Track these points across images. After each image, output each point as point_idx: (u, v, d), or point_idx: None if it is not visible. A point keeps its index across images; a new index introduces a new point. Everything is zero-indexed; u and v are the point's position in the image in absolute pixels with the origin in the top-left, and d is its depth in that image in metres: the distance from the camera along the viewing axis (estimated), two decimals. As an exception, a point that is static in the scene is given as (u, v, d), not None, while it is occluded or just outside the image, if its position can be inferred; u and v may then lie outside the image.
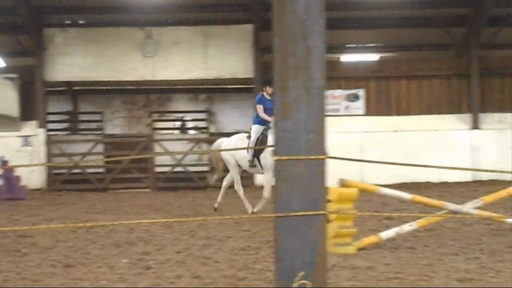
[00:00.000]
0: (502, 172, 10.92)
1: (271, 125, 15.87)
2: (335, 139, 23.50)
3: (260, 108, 16.24)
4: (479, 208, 13.01)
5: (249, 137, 16.74)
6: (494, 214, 13.31)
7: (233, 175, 17.26)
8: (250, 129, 16.70)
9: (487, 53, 25.84)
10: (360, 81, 25.64)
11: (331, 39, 24.37)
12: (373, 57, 26.35)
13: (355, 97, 25.50)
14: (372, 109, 25.61)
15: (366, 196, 15.59)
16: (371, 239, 12.12)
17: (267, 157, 15.72)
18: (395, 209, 16.77)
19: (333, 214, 11.45)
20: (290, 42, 5.59)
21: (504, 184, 15.90)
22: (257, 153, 16.11)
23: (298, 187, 5.73)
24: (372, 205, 17.33)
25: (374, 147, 24.18)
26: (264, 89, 16.45)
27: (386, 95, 25.70)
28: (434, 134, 24.90)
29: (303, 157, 5.64)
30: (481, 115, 25.35)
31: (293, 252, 5.72)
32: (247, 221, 15.05)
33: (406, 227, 12.44)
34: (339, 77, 25.47)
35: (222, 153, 17.21)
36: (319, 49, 5.60)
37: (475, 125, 25.26)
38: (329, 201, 11.18)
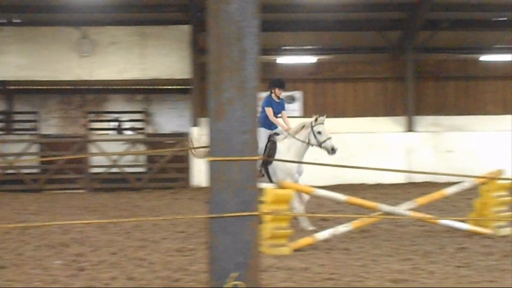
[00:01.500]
0: (436, 174, 11.08)
1: (279, 130, 14.92)
2: (272, 141, 23.59)
3: (269, 111, 14.90)
4: (413, 209, 13.18)
5: None
6: (427, 216, 13.50)
7: None
8: None
9: (422, 57, 26.15)
10: (297, 83, 25.74)
11: (268, 41, 24.45)
12: (310, 59, 26.46)
13: (292, 99, 25.59)
14: (309, 111, 25.67)
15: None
16: (306, 240, 12.18)
17: (278, 166, 14.45)
18: (330, 210, 16.87)
19: (269, 215, 11.48)
20: (225, 43, 5.60)
21: (438, 186, 16.11)
22: (265, 162, 14.63)
23: (232, 188, 5.74)
24: (308, 206, 17.38)
25: (310, 149, 24.25)
26: (272, 90, 15.15)
27: (323, 97, 25.87)
28: (370, 136, 25.13)
29: (237, 158, 5.65)
30: (416, 117, 25.65)
31: (226, 253, 5.72)
32: (182, 222, 15.00)
33: (341, 228, 12.54)
34: (276, 79, 25.51)
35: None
36: (253, 51, 5.62)
37: (410, 128, 25.56)
38: (262, 202, 11.20)
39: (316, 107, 25.59)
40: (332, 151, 14.34)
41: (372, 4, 24.40)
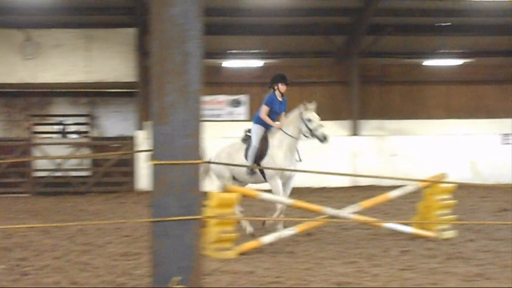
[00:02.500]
0: (380, 177, 11.15)
1: (273, 129, 13.96)
2: (218, 145, 23.54)
3: (265, 109, 13.96)
4: (357, 213, 13.28)
5: (245, 140, 14.45)
6: (371, 219, 13.60)
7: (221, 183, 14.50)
8: (248, 131, 14.47)
9: (367, 61, 26.35)
10: (243, 87, 25.78)
11: (214, 45, 24.45)
12: (257, 63, 26.51)
13: (238, 103, 25.62)
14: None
15: (247, 201, 15.66)
16: (251, 243, 12.19)
17: (270, 163, 13.73)
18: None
19: (214, 219, 11.46)
20: (168, 47, 5.58)
21: (382, 189, 16.24)
22: (258, 159, 13.94)
23: (174, 192, 5.72)
24: (253, 210, 17.43)
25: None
26: (275, 87, 14.06)
27: (269, 101, 25.89)
28: (315, 140, 25.16)
29: (180, 162, 5.63)
30: (361, 121, 25.85)
31: (169, 257, 5.70)
32: (127, 226, 14.91)
33: (287, 232, 12.58)
34: (222, 82, 25.56)
35: (213, 166, 14.48)
36: (196, 54, 5.61)
37: (355, 132, 25.75)
38: (205, 205, 11.18)
39: (261, 111, 25.66)
40: (324, 139, 13.60)
41: (318, 8, 24.52)
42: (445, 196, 13.64)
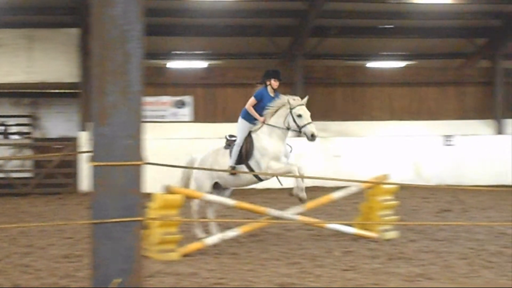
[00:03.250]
0: (323, 178, 11.20)
1: (258, 124, 13.42)
2: (162, 145, 23.49)
3: (251, 101, 13.51)
4: (301, 214, 13.33)
5: (228, 145, 13.81)
6: (315, 220, 13.66)
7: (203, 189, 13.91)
8: (230, 136, 13.95)
9: (311, 63, 26.47)
10: (188, 88, 25.71)
11: (158, 46, 24.38)
12: (201, 64, 26.48)
13: (183, 104, 25.55)
14: (199, 116, 25.73)
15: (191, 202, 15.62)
16: (195, 245, 12.17)
17: (261, 155, 13.15)
18: (219, 215, 16.87)
19: (157, 220, 11.42)
20: (108, 47, 5.54)
21: (326, 190, 16.29)
22: (243, 160, 13.36)
23: (115, 193, 5.68)
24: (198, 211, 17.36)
25: (201, 153, 24.19)
26: (268, 82, 13.57)
27: (213, 102, 25.90)
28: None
29: (121, 163, 5.60)
30: (306, 122, 25.91)
31: (109, 259, 5.66)
32: (70, 228, 14.76)
33: (230, 233, 12.58)
34: (166, 83, 25.46)
35: (195, 173, 14.15)
36: (137, 54, 5.58)
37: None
38: (146, 207, 11.13)
39: (207, 112, 25.66)
40: (312, 137, 12.98)
41: (262, 10, 24.57)
42: (388, 197, 13.77)
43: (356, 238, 13.30)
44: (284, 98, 13.24)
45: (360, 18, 25.31)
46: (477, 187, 22.15)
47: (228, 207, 13.93)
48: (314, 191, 22.09)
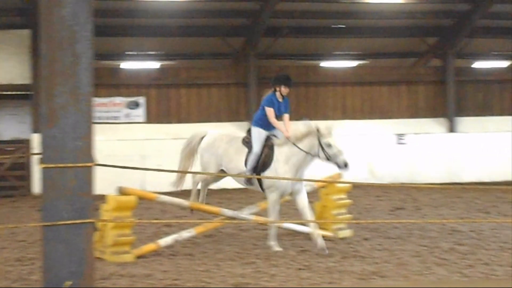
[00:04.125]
0: (276, 178, 11.24)
1: (277, 132, 12.91)
2: (116, 147, 23.36)
3: (271, 111, 12.81)
4: (255, 213, 13.35)
5: (246, 142, 13.13)
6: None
7: (201, 177, 13.72)
8: (249, 133, 13.17)
9: (265, 63, 26.47)
10: (141, 89, 25.57)
11: (111, 46, 24.22)
12: (154, 65, 26.35)
13: (136, 105, 25.41)
14: (152, 117, 25.61)
15: (146, 203, 15.58)
16: (149, 246, 12.13)
17: (272, 174, 12.53)
18: (174, 216, 16.85)
19: (110, 222, 11.36)
20: (57, 48, 5.49)
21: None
22: (259, 168, 12.73)
23: (66, 195, 5.64)
24: (152, 213, 17.33)
25: (155, 155, 24.14)
26: (277, 88, 13.01)
27: (167, 103, 25.79)
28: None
29: (71, 165, 5.55)
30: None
31: (60, 262, 5.62)
32: (23, 231, 14.61)
33: (185, 234, 12.57)
34: (119, 84, 25.31)
35: (203, 155, 13.58)
36: (87, 55, 5.54)
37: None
38: (98, 209, 11.06)
39: (160, 113, 25.56)
40: (345, 166, 12.29)
41: (215, 10, 24.53)
42: (341, 196, 13.86)
43: (310, 237, 13.34)
44: (311, 126, 12.59)
45: (313, 18, 25.38)
46: (429, 185, 22.36)
47: (182, 207, 13.88)
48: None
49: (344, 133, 26.02)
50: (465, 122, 27.28)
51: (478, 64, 28.57)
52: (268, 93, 13.15)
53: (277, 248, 12.34)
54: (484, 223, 15.11)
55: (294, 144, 12.56)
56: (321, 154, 12.41)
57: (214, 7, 24.37)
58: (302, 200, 12.69)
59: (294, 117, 26.09)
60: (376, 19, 25.70)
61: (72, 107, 5.56)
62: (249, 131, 13.21)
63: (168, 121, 25.63)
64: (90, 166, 5.69)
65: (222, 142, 13.36)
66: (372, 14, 25.20)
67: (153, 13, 24.08)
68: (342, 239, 13.27)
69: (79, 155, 5.63)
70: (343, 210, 13.87)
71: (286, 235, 13.62)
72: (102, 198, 11.62)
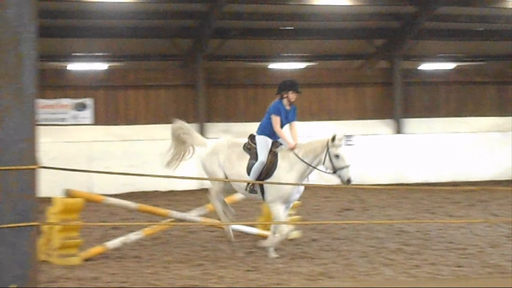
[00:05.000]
0: (225, 180, 11.23)
1: (285, 145, 12.36)
2: (63, 149, 23.15)
3: (277, 120, 12.21)
4: (204, 215, 13.33)
5: (248, 148, 12.61)
6: (218, 221, 13.66)
7: (214, 189, 12.89)
8: (252, 140, 12.65)
9: (213, 64, 26.48)
10: (88, 90, 25.36)
11: (58, 47, 24.03)
12: (101, 66, 26.17)
13: (83, 106, 25.21)
14: (100, 119, 25.42)
15: (93, 206, 15.46)
16: (97, 249, 12.05)
17: (274, 187, 12.01)
18: (122, 218, 16.75)
19: (57, 225, 11.25)
20: (1, 49, 5.42)
21: (231, 192, 16.34)
22: (262, 176, 12.16)
23: (9, 198, 5.57)
24: (99, 215, 17.19)
25: (102, 157, 23.97)
26: (285, 95, 12.37)
27: (114, 105, 25.61)
28: (162, 144, 24.98)
29: (14, 167, 5.49)
30: (207, 124, 25.89)
31: (4, 265, 5.55)
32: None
33: (133, 236, 12.50)
34: (66, 85, 25.07)
35: (205, 161, 12.98)
36: (31, 57, 5.48)
37: (202, 134, 25.68)
38: (42, 212, 10.95)
39: (108, 115, 25.39)
40: (347, 182, 11.87)
41: (163, 12, 24.44)
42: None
43: (259, 238, 13.36)
44: (324, 138, 12.25)
45: (261, 20, 25.41)
46: (377, 186, 22.52)
47: (130, 210, 13.80)
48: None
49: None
50: (412, 124, 27.54)
51: (425, 66, 28.91)
52: (274, 100, 12.52)
53: (274, 255, 11.91)
54: (430, 224, 15.27)
55: (296, 155, 12.09)
56: (327, 164, 11.96)
57: (162, 8, 24.28)
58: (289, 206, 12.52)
59: (244, 118, 26.41)
60: (324, 21, 25.81)
61: (15, 108, 5.49)
62: (251, 138, 12.67)
63: (116, 123, 25.46)
64: (34, 169, 5.63)
65: (224, 147, 12.82)
66: (320, 16, 25.31)
67: (100, 14, 23.90)
68: (290, 240, 13.30)
69: (22, 157, 5.57)
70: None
71: (234, 237, 13.58)
72: (48, 200, 11.51)
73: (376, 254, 12.08)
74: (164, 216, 13.06)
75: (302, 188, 12.34)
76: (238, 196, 13.59)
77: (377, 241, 13.34)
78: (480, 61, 29.33)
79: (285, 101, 12.37)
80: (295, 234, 13.65)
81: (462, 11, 25.87)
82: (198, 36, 25.34)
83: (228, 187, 12.92)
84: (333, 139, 11.95)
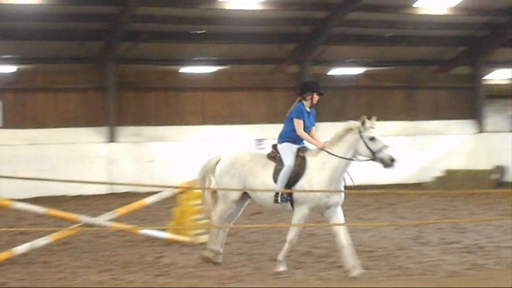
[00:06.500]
0: (135, 185, 11.13)
1: (313, 147, 11.37)
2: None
3: (300, 124, 11.29)
4: (114, 220, 13.22)
5: (272, 157, 11.47)
6: (127, 226, 13.59)
7: (222, 209, 11.66)
8: (275, 148, 11.54)
9: (123, 67, 26.30)
10: (-4, 93, 24.94)
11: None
12: (10, 68, 25.73)
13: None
14: (8, 122, 24.97)
15: (0, 211, 15.21)
16: (3, 255, 11.84)
17: (305, 188, 10.99)
18: (30, 223, 16.48)
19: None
20: None
21: (140, 196, 16.25)
22: (291, 181, 11.13)
23: None
24: (6, 220, 16.87)
25: (10, 161, 23.55)
26: (308, 97, 11.47)
27: (23, 107, 25.20)
28: (71, 147, 24.79)
29: None
30: (118, 128, 25.70)
31: None
32: None
33: (40, 242, 12.32)
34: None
35: (220, 177, 11.74)
36: None
37: (112, 138, 25.53)
38: None
39: (16, 118, 24.97)
40: (391, 162, 10.79)
41: (73, 14, 24.14)
42: (200, 201, 13.86)
43: (169, 243, 13.33)
44: (351, 124, 11.14)
45: (172, 23, 25.34)
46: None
47: (38, 214, 13.59)
48: (128, 196, 22.07)
49: (203, 138, 26.16)
50: (323, 127, 27.56)
51: (335, 71, 29.27)
52: (294, 103, 11.62)
53: (283, 268, 11.02)
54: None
55: (328, 152, 11.03)
56: (364, 151, 10.92)
57: (72, 10, 23.99)
58: (338, 217, 11.29)
59: (155, 122, 26.30)
60: (236, 25, 25.90)
61: None
62: (274, 147, 11.61)
63: (24, 126, 25.06)
64: None
65: (245, 160, 11.62)
66: (231, 20, 25.38)
67: (9, 16, 23.49)
68: (201, 244, 13.29)
69: None
70: (201, 216, 13.90)
71: (144, 241, 13.56)
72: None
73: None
74: (73, 221, 12.90)
75: (341, 194, 11.28)
76: (148, 200, 13.52)
77: (287, 244, 13.42)
78: (388, 66, 29.87)
79: (306, 104, 11.52)
80: (205, 238, 13.63)
81: (371, 16, 26.28)
82: (108, 39, 25.15)
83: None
84: (363, 122, 10.96)
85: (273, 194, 11.14)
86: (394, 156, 10.78)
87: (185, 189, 13.59)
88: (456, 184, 24.36)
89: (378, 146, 10.85)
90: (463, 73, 30.58)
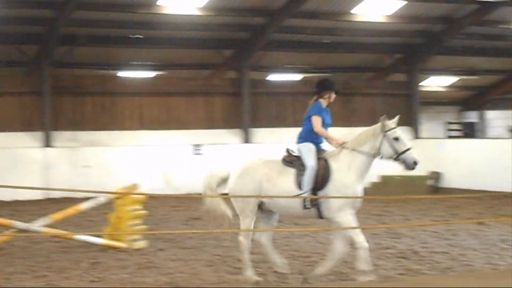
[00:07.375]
0: (71, 190, 11.03)
1: (333, 146, 10.94)
2: None
3: (318, 121, 10.87)
4: (49, 225, 13.10)
5: (288, 161, 10.97)
6: (62, 232, 13.46)
7: (245, 224, 10.95)
8: (290, 151, 11.13)
9: (60, 71, 26.05)
10: None
11: None
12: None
13: None
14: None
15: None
16: None
17: (340, 190, 10.47)
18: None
19: None
20: None
21: (76, 201, 16.08)
22: (319, 185, 10.59)
23: None
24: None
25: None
26: (326, 95, 11.15)
27: (-44, 112, 24.82)
28: (5, 152, 24.43)
29: None
30: (54, 133, 25.42)
31: None
32: None
33: (-27, 248, 12.14)
34: None
35: (235, 186, 11.17)
36: None
37: (47, 143, 25.23)
38: None
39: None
40: (414, 165, 10.55)
41: (9, 17, 23.80)
42: (137, 207, 13.82)
43: (105, 248, 13.24)
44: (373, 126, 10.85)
45: (110, 28, 25.18)
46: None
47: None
48: (64, 202, 21.83)
49: (141, 143, 26.04)
50: (260, 133, 27.89)
51: (272, 77, 29.40)
52: (311, 102, 11.24)
53: (370, 277, 10.32)
54: (277, 232, 15.47)
55: (352, 149, 10.68)
56: (387, 150, 10.61)
57: (7, 13, 23.66)
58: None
59: (92, 126, 26.08)
60: (174, 30, 25.83)
61: None
62: (288, 150, 11.18)
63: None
64: None
65: (258, 167, 10.97)
66: (169, 25, 25.31)
67: None
68: (137, 250, 13.24)
69: None
70: (138, 221, 13.85)
71: (80, 247, 13.44)
72: None
73: (222, 263, 12.18)
74: (7, 227, 12.73)
75: (360, 189, 10.74)
76: (84, 206, 13.42)
77: (223, 250, 13.44)
78: (326, 72, 30.06)
79: (324, 102, 11.16)
80: (142, 244, 13.59)
81: (309, 23, 26.45)
82: (44, 42, 24.87)
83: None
84: (384, 124, 10.72)
85: (299, 200, 10.55)
86: (417, 159, 10.53)
87: (121, 195, 13.51)
88: (392, 190, 24.57)
89: (402, 147, 10.55)
90: (399, 80, 30.98)
